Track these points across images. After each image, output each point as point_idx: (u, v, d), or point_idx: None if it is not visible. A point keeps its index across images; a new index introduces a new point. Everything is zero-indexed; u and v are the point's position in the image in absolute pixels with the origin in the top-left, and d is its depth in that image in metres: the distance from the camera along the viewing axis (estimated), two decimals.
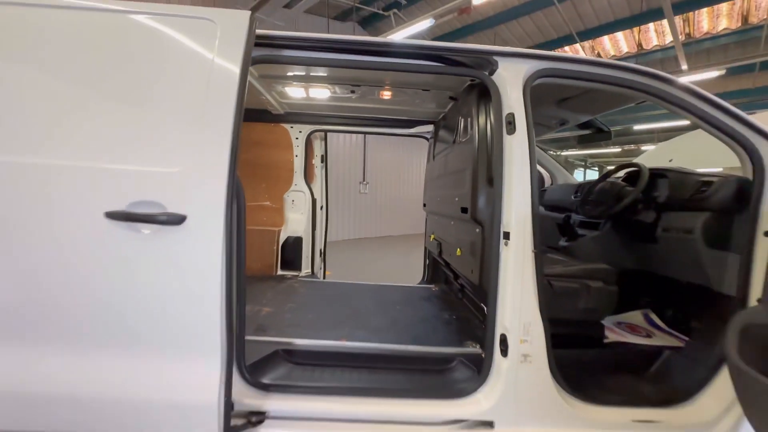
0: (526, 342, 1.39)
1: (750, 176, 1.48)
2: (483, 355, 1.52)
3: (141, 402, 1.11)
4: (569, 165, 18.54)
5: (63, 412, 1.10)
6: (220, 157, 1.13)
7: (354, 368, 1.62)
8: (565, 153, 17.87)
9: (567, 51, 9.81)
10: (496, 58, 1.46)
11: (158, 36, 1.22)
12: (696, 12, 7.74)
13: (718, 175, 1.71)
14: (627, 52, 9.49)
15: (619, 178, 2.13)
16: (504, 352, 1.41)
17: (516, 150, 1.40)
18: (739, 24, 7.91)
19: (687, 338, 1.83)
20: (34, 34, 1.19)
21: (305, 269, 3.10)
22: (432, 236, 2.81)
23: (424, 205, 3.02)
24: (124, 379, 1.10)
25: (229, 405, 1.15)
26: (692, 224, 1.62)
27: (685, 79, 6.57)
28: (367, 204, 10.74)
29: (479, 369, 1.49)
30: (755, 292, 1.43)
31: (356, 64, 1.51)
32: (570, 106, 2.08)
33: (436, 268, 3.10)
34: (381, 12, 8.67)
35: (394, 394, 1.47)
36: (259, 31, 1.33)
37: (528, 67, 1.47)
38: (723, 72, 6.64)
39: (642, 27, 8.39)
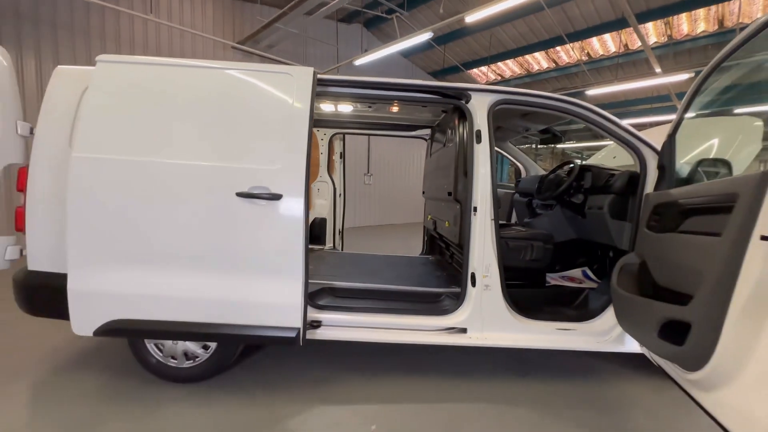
0: (487, 276, 2.18)
1: (638, 170, 2.25)
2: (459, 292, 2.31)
3: (257, 303, 1.89)
4: (566, 156, 19.25)
5: (217, 308, 1.89)
6: (300, 161, 1.90)
7: (374, 299, 2.42)
8: (561, 146, 18.56)
9: (559, 50, 10.48)
10: (470, 92, 2.23)
11: (261, 85, 1.98)
12: (676, 16, 8.39)
13: (618, 169, 2.48)
14: (614, 52, 10.14)
15: (564, 171, 2.91)
16: (473, 283, 2.20)
17: (482, 153, 2.17)
18: (716, 27, 8.57)
19: (600, 282, 2.63)
20: (185, 82, 1.95)
21: (329, 244, 3.91)
22: (429, 216, 3.60)
23: (423, 192, 3.80)
24: (248, 291, 1.89)
25: (306, 306, 1.93)
26: (602, 203, 2.41)
27: (660, 81, 7.26)
28: (370, 194, 11.50)
29: (457, 298, 2.29)
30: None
31: (377, 95, 2.27)
32: (529, 119, 2.86)
33: (432, 242, 3.91)
34: (384, 15, 9.28)
35: (403, 312, 2.27)
36: (319, 76, 2.09)
37: (491, 98, 2.23)
38: (692, 74, 7.32)
39: (627, 29, 9.04)
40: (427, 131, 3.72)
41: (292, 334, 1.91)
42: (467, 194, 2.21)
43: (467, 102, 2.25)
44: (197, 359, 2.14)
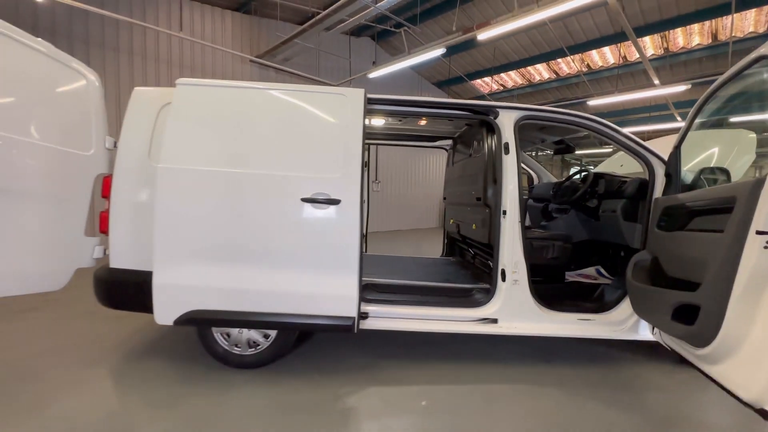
0: (515, 273, 2.45)
1: (647, 177, 2.54)
2: (490, 286, 2.58)
3: (318, 295, 2.15)
4: (565, 164, 19.70)
5: (283, 300, 2.15)
6: (355, 170, 2.18)
7: (412, 294, 2.69)
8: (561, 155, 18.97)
9: (560, 62, 10.89)
10: (498, 109, 2.53)
11: (319, 104, 2.27)
12: (672, 30, 8.81)
13: (629, 176, 2.78)
14: (613, 63, 10.56)
15: (579, 179, 3.21)
16: (503, 279, 2.47)
17: (510, 163, 2.46)
18: (710, 40, 8.99)
19: (614, 279, 2.91)
20: (253, 102, 2.24)
21: None
22: (451, 220, 3.88)
23: (445, 198, 4.09)
24: (311, 284, 2.15)
25: (360, 298, 2.20)
26: (615, 207, 2.70)
27: (659, 92, 7.66)
28: (378, 201, 11.80)
29: (488, 292, 2.55)
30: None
31: (418, 112, 2.57)
32: (545, 131, 3.17)
33: (452, 245, 4.18)
34: (392, 29, 9.68)
35: (439, 304, 2.53)
36: (369, 96, 2.39)
37: (517, 114, 2.53)
38: (689, 86, 7.69)
39: (625, 42, 9.45)
40: (448, 142, 4.02)
41: (349, 323, 2.17)
42: (497, 199, 2.49)
43: (495, 118, 2.54)
44: (258, 347, 2.40)
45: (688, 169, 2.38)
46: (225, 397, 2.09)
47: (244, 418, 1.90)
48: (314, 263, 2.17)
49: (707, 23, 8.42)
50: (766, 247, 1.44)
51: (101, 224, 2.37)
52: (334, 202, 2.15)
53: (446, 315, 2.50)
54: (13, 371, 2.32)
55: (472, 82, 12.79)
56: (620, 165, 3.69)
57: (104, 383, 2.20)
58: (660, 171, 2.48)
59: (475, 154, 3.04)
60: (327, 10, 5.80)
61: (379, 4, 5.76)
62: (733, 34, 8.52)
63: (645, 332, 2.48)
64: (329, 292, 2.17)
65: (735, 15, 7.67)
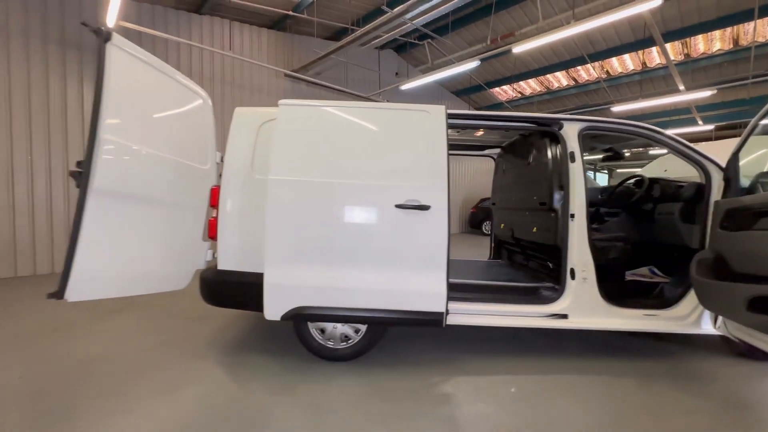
0: (584, 272, 2.65)
1: (703, 182, 2.73)
2: (556, 285, 2.78)
3: (411, 292, 2.38)
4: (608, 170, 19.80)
5: (379, 297, 2.37)
6: (442, 179, 2.41)
7: (483, 292, 2.90)
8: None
9: (579, 69, 11.10)
10: (562, 121, 2.75)
11: (406, 120, 2.52)
12: (693, 36, 8.98)
13: (686, 180, 2.97)
14: (632, 70, 10.74)
15: (631, 184, 3.40)
16: (573, 277, 2.67)
17: (576, 170, 2.68)
18: (731, 46, 9.13)
19: (671, 277, 3.08)
20: (349, 119, 2.50)
21: None
22: (502, 225, 4.10)
23: (494, 203, 4.31)
24: (404, 282, 2.38)
25: (447, 295, 2.41)
26: (673, 209, 2.89)
27: (682, 98, 7.84)
28: None
29: (554, 290, 2.75)
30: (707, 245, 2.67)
31: (490, 125, 2.81)
32: (598, 140, 3.39)
33: (500, 248, 4.39)
34: (415, 41, 10.01)
35: (512, 301, 2.73)
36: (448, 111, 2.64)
37: (580, 125, 2.75)
38: (715, 91, 7.82)
39: (646, 49, 9.64)
40: (495, 151, 4.26)
41: (439, 318, 2.39)
42: (565, 204, 2.71)
43: (560, 129, 2.77)
44: (350, 341, 2.63)
45: (745, 174, 2.56)
46: (331, 385, 2.31)
47: (353, 402, 2.12)
48: (407, 263, 2.40)
49: (729, 29, 8.58)
50: None
51: (210, 230, 2.64)
52: (425, 207, 2.38)
53: (519, 311, 2.70)
54: (134, 362, 2.58)
55: (490, 90, 13.06)
56: (664, 170, 3.87)
57: (218, 373, 2.44)
58: (716, 175, 2.67)
59: (534, 162, 3.26)
60: (366, 27, 6.12)
61: (416, 21, 6.06)
62: (755, 39, 8.66)
63: (707, 326, 2.64)
64: (421, 289, 2.39)
65: (757, 21, 7.82)
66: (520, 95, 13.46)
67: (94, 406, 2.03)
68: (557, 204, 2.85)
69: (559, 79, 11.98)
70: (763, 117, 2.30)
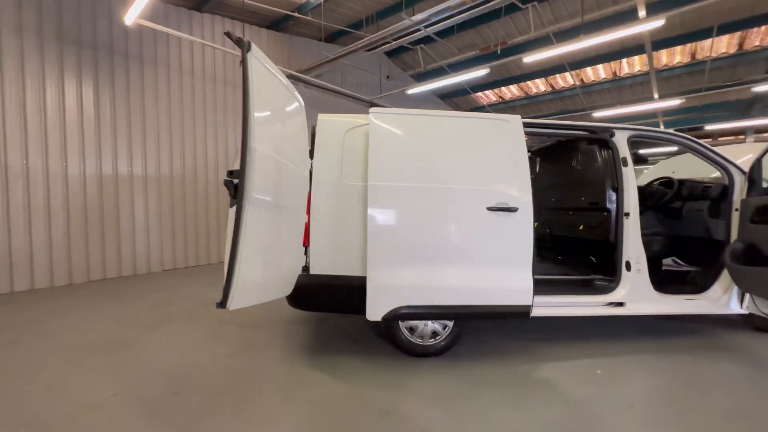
0: (638, 264, 2.99)
1: (727, 183, 3.17)
2: (604, 277, 3.10)
3: (501, 288, 2.56)
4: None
5: (473, 294, 2.54)
6: (527, 183, 2.63)
7: (550, 285, 3.16)
8: None
9: (557, 77, 11.90)
10: (614, 130, 3.08)
11: (490, 129, 2.71)
12: (656, 52, 9.97)
13: (713, 181, 3.42)
14: (604, 78, 11.71)
15: (658, 184, 3.84)
16: (628, 269, 3.00)
17: (629, 174, 3.01)
18: (689, 59, 10.26)
19: (699, 265, 3.53)
20: (436, 127, 2.65)
21: None
22: (535, 224, 4.40)
23: None
24: (495, 278, 2.56)
25: (532, 290, 2.64)
26: (701, 207, 3.32)
27: (654, 106, 8.77)
28: None
29: (608, 281, 3.07)
30: (732, 236, 3.10)
31: (553, 133, 3.07)
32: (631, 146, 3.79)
33: None
34: (408, 46, 10.23)
35: (576, 292, 3.01)
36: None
37: (628, 133, 3.09)
38: (684, 100, 8.77)
39: (615, 61, 10.55)
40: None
41: (526, 311, 2.61)
42: (619, 204, 3.03)
43: (611, 137, 3.10)
44: (438, 337, 2.77)
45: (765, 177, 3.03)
46: (435, 378, 2.45)
47: (467, 392, 2.27)
48: (498, 261, 2.59)
49: (688, 45, 9.64)
50: None
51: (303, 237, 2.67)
52: (513, 209, 2.59)
53: (583, 301, 2.99)
54: (224, 371, 2.55)
55: (473, 94, 13.60)
56: (672, 171, 4.38)
57: (319, 375, 2.49)
58: (737, 177, 3.12)
59: (580, 167, 3.59)
60: (379, 33, 6.24)
61: (429, 29, 6.26)
62: (710, 54, 9.80)
63: (735, 306, 3.08)
64: (510, 285, 2.60)
65: (714, 38, 8.88)
66: (500, 100, 14.14)
67: (222, 419, 2.02)
68: (610, 204, 3.18)
69: (538, 85, 12.75)
70: None
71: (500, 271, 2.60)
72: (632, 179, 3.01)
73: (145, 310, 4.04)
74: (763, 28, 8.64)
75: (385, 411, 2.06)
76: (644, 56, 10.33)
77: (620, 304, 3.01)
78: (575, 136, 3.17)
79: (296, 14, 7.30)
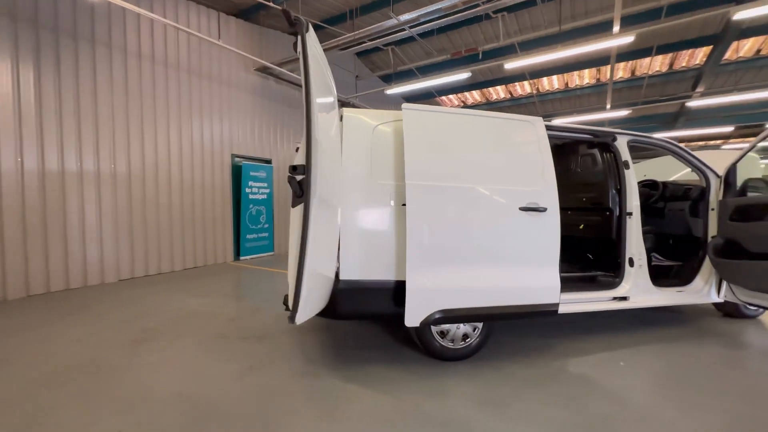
0: (639, 260, 3.21)
1: (704, 185, 3.53)
2: (606, 273, 3.29)
3: (532, 287, 2.58)
4: None
5: (507, 294, 2.52)
6: (553, 183, 2.69)
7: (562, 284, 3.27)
8: None
9: (516, 85, 12.60)
10: (616, 134, 3.28)
11: (517, 129, 2.73)
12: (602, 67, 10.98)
13: (692, 183, 3.79)
14: (557, 88, 12.64)
15: (642, 186, 4.17)
16: (631, 265, 3.20)
17: (631, 176, 3.22)
18: (629, 75, 11.45)
19: (680, 261, 3.89)
20: (468, 126, 2.61)
21: None
22: None
23: None
24: (528, 278, 2.58)
25: (559, 288, 2.70)
26: (683, 207, 3.67)
27: (602, 116, 9.66)
28: None
29: (611, 277, 3.26)
30: (710, 233, 3.46)
31: (561, 136, 3.18)
32: None
33: None
34: (381, 47, 10.19)
35: (585, 288, 3.15)
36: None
37: (627, 138, 3.31)
38: (630, 111, 9.74)
39: (569, 73, 11.45)
40: None
41: (555, 308, 2.66)
42: (622, 204, 3.23)
43: (614, 141, 3.29)
44: (468, 340, 2.73)
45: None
46: (477, 382, 2.40)
47: (512, 393, 2.25)
48: (529, 261, 2.62)
49: (630, 62, 10.74)
50: None
51: None
52: (542, 209, 2.63)
53: (590, 297, 3.13)
54: (247, 392, 2.27)
55: (439, 98, 13.93)
56: (644, 174, 4.80)
57: (356, 388, 2.31)
58: (713, 180, 3.49)
59: (581, 169, 3.77)
60: (362, 31, 6.10)
61: (414, 30, 6.24)
62: (647, 71, 11.01)
63: (714, 297, 3.43)
64: (541, 284, 2.64)
65: (652, 57, 9.98)
66: (462, 104, 14.64)
67: None
68: (613, 204, 3.38)
69: (498, 92, 13.41)
70: (761, 140, 3.12)
71: (532, 270, 2.62)
72: (634, 181, 3.23)
73: (115, 326, 3.50)
74: (690, 51, 9.91)
75: (447, 421, 1.96)
76: (593, 70, 11.34)
77: (624, 299, 3.20)
78: (580, 139, 3.32)
79: (270, 3, 6.88)
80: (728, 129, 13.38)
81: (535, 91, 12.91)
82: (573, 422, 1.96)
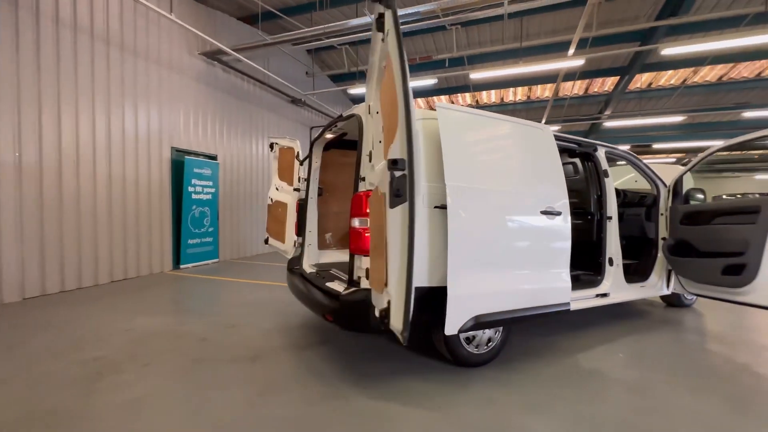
0: (617, 260, 3.55)
1: (656, 194, 4.08)
2: (586, 273, 3.60)
3: (551, 287, 2.66)
4: None
5: (533, 296, 2.55)
6: (564, 188, 2.82)
7: None
8: None
9: (483, 95, 13.32)
10: (597, 145, 3.60)
11: (532, 134, 2.80)
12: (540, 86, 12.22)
13: (647, 192, 4.34)
14: (494, 102, 13.71)
15: None
16: (611, 264, 3.53)
17: (610, 183, 3.56)
18: (553, 94, 12.92)
19: (636, 260, 4.42)
20: (497, 129, 2.61)
21: None
22: None
23: None
24: (542, 279, 2.64)
25: (570, 287, 2.83)
26: (639, 212, 4.18)
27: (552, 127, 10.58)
28: None
29: (592, 276, 3.56)
30: (660, 235, 4.00)
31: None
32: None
33: None
34: (335, 45, 9.90)
35: (580, 288, 3.38)
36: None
37: (605, 149, 3.66)
38: (560, 127, 10.93)
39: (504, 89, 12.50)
40: None
41: (567, 307, 2.79)
42: (603, 209, 3.55)
43: (595, 151, 3.61)
44: (490, 344, 2.70)
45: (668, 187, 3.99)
46: (512, 384, 2.37)
47: (553, 393, 2.28)
48: (550, 263, 2.70)
49: (553, 84, 12.12)
50: None
51: (359, 242, 2.24)
52: (558, 213, 2.75)
53: (579, 295, 3.34)
54: (275, 422, 1.91)
55: None
56: (635, 181, 5.39)
57: (397, 408, 2.11)
58: (662, 189, 4.05)
59: (571, 177, 4.07)
60: (330, 26, 5.83)
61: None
62: (567, 93, 12.53)
63: (665, 289, 3.96)
64: (558, 284, 2.74)
65: (575, 82, 11.40)
66: None
67: None
68: (593, 208, 3.69)
69: (441, 100, 14.02)
70: (703, 159, 3.69)
71: (551, 271, 2.71)
72: (612, 188, 3.57)
73: (49, 360, 2.73)
74: (601, 79, 11.55)
75: (505, 430, 1.89)
76: (525, 88, 12.54)
77: (605, 295, 3.51)
78: (567, 147, 3.57)
79: None
80: (626, 147, 15.93)
81: (474, 103, 13.82)
82: (617, 418, 2.04)
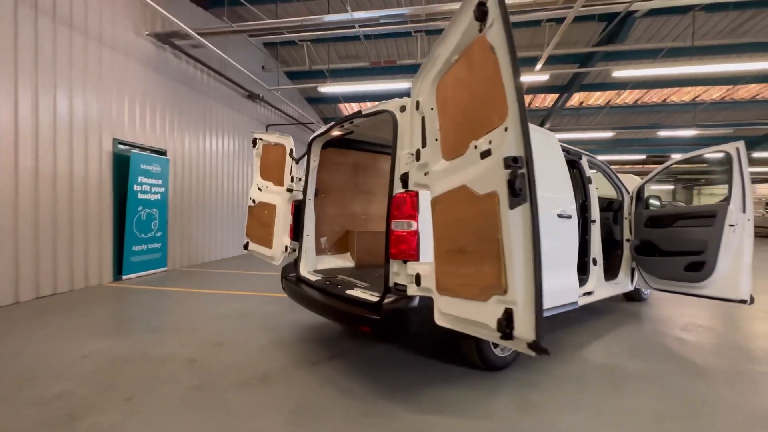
0: (599, 260, 3.86)
1: (620, 199, 4.54)
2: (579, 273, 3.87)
3: (567, 286, 2.77)
4: None
5: (552, 296, 2.63)
6: (571, 192, 2.98)
7: None
8: None
9: None
10: (581, 154, 3.89)
11: (543, 139, 2.91)
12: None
13: (613, 198, 4.79)
14: None
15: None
16: (595, 264, 3.82)
17: (593, 190, 3.86)
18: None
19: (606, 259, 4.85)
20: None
21: None
22: None
23: None
24: (564, 278, 2.74)
25: (578, 286, 2.98)
26: (608, 216, 4.61)
27: None
28: None
29: (582, 275, 3.83)
30: (625, 237, 4.45)
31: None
32: None
33: None
34: (297, 42, 9.47)
35: None
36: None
37: (587, 158, 3.97)
38: None
39: None
40: None
41: (576, 305, 2.94)
42: (588, 213, 3.83)
43: (580, 159, 3.90)
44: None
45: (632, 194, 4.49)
46: (541, 386, 2.41)
47: (584, 390, 2.37)
48: (566, 263, 2.83)
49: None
50: (732, 230, 3.42)
51: (405, 245, 2.10)
52: (569, 216, 2.89)
53: None
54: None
55: (342, 104, 13.83)
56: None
57: (444, 419, 2.01)
58: (626, 197, 4.52)
59: None
60: (308, 19, 5.55)
61: (363, 29, 5.98)
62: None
63: (629, 285, 4.41)
64: (570, 283, 2.87)
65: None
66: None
67: None
68: (581, 213, 3.96)
69: None
70: (664, 169, 4.19)
71: (567, 271, 2.85)
72: (595, 194, 3.88)
73: (6, 407, 2.12)
74: (541, 96, 12.69)
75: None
76: None
77: (590, 293, 3.78)
78: None
79: None
80: None
81: None
82: (649, 407, 2.17)
